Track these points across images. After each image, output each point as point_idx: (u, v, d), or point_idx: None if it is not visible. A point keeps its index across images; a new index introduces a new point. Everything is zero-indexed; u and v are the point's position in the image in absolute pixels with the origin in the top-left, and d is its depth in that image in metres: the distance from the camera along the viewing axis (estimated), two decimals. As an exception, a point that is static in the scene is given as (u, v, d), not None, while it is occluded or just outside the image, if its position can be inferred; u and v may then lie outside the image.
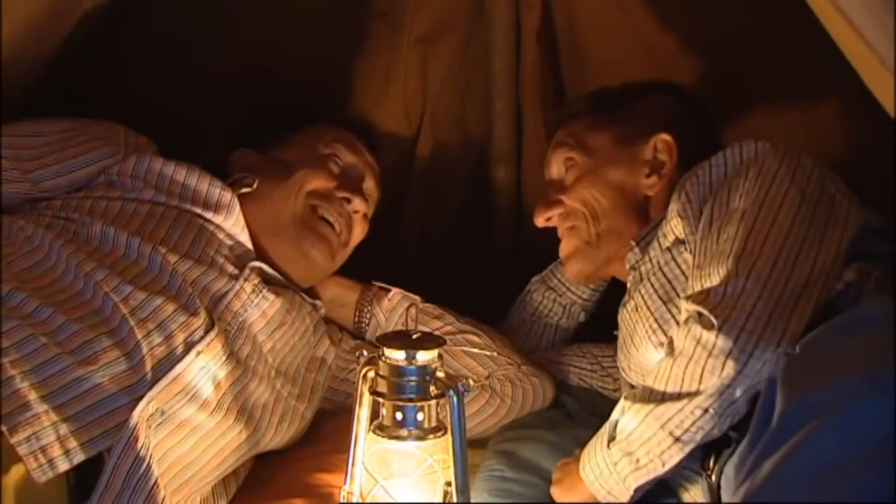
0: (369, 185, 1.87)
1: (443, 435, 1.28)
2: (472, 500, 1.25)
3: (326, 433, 1.69)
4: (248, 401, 1.51)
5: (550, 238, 1.88)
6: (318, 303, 1.80)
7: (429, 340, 1.30)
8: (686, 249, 1.51)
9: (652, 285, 1.56)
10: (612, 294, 1.93)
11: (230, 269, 1.58)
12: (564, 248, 1.81)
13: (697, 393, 1.30)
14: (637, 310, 1.59)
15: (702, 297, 1.32)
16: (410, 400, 1.28)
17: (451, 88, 2.13)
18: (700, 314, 1.30)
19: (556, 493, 1.53)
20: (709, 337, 1.27)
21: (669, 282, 1.53)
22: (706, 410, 1.30)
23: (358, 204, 1.79)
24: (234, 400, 1.47)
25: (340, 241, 1.78)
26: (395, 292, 1.87)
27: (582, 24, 2.05)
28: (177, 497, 1.40)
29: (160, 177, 1.62)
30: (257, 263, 1.63)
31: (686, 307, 1.34)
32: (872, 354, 1.04)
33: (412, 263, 2.19)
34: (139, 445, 1.28)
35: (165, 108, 1.92)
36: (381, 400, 1.29)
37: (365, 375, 1.31)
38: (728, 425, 1.33)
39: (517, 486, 1.59)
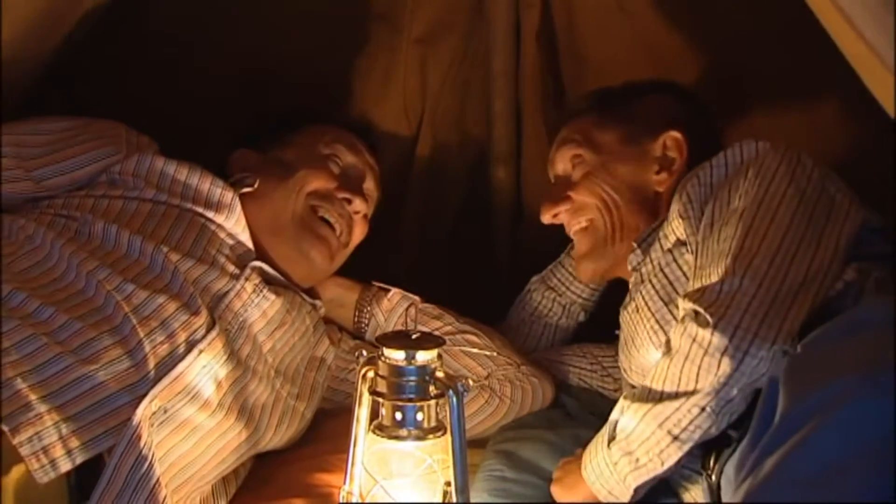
0: (369, 185, 1.87)
1: (442, 435, 1.28)
2: (472, 500, 1.25)
3: (326, 433, 1.69)
4: (248, 400, 1.51)
5: (550, 238, 1.88)
6: (317, 303, 1.80)
7: (428, 340, 1.30)
8: (687, 251, 1.51)
9: (653, 286, 1.56)
10: (612, 295, 1.93)
11: (231, 268, 1.59)
12: (580, 248, 1.81)
13: (695, 391, 1.30)
14: (638, 311, 1.59)
15: (698, 295, 1.32)
16: (410, 400, 1.28)
17: (451, 88, 2.13)
18: (696, 312, 1.30)
19: (556, 491, 1.53)
20: (704, 335, 1.27)
21: (671, 283, 1.54)
22: (703, 409, 1.31)
23: (358, 204, 1.79)
24: (234, 400, 1.47)
25: (340, 242, 1.78)
26: (395, 292, 1.87)
27: (581, 24, 2.05)
28: (177, 496, 1.40)
29: (162, 176, 1.62)
30: (258, 263, 1.64)
31: (683, 305, 1.34)
32: (872, 354, 1.04)
33: (412, 263, 2.19)
34: (142, 444, 1.28)
35: (165, 108, 1.92)
36: (380, 400, 1.29)
37: (364, 375, 1.31)
38: (725, 424, 1.33)
39: (517, 486, 1.59)
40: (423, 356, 1.27)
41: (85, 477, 1.29)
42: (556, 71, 2.11)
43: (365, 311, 1.87)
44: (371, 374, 1.31)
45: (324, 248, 1.74)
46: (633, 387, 1.57)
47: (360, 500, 1.30)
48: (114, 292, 1.40)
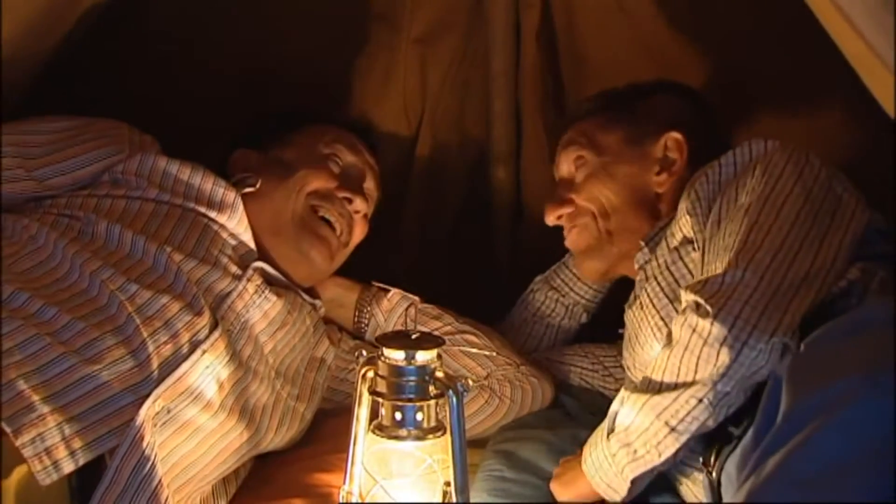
0: (370, 185, 1.86)
1: (442, 435, 1.28)
2: (472, 500, 1.25)
3: (326, 433, 1.69)
4: (249, 401, 1.52)
5: (550, 237, 1.88)
6: (317, 302, 1.80)
7: (428, 340, 1.31)
8: (694, 249, 1.52)
9: (659, 284, 1.57)
10: (614, 295, 1.93)
11: (233, 269, 1.59)
12: (577, 246, 1.82)
13: (693, 382, 1.30)
14: (643, 308, 1.60)
15: (699, 287, 1.32)
16: (410, 400, 1.28)
17: (451, 88, 2.13)
18: (697, 304, 1.30)
19: (555, 488, 1.53)
20: (704, 325, 1.28)
21: (676, 281, 1.54)
22: (701, 400, 1.31)
23: (359, 204, 1.79)
24: (235, 400, 1.48)
25: (340, 242, 1.78)
26: (394, 292, 1.87)
27: (581, 24, 2.06)
28: (178, 497, 1.40)
29: (164, 175, 1.62)
30: (260, 264, 1.64)
31: (685, 297, 1.34)
32: (876, 354, 1.04)
33: (412, 263, 2.19)
34: (144, 444, 1.28)
35: (165, 107, 1.92)
36: (380, 400, 1.29)
37: (364, 375, 1.31)
38: (723, 416, 1.33)
39: (516, 486, 1.59)
40: (422, 356, 1.28)
41: (86, 478, 1.29)
42: (556, 71, 2.11)
43: (365, 311, 1.87)
44: (371, 373, 1.31)
45: (324, 248, 1.74)
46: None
47: (359, 500, 1.30)
48: (117, 292, 1.40)
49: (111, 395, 1.30)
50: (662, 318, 1.54)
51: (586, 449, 1.47)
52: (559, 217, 1.81)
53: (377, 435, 1.30)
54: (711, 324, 1.27)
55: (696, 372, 1.30)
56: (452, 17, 2.07)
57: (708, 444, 1.38)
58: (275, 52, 2.01)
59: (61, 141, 1.60)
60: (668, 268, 1.56)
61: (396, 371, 1.28)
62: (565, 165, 1.83)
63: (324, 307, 1.83)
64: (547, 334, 2.01)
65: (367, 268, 1.89)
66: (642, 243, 1.66)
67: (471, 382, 1.28)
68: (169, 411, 1.35)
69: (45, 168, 1.57)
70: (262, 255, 1.68)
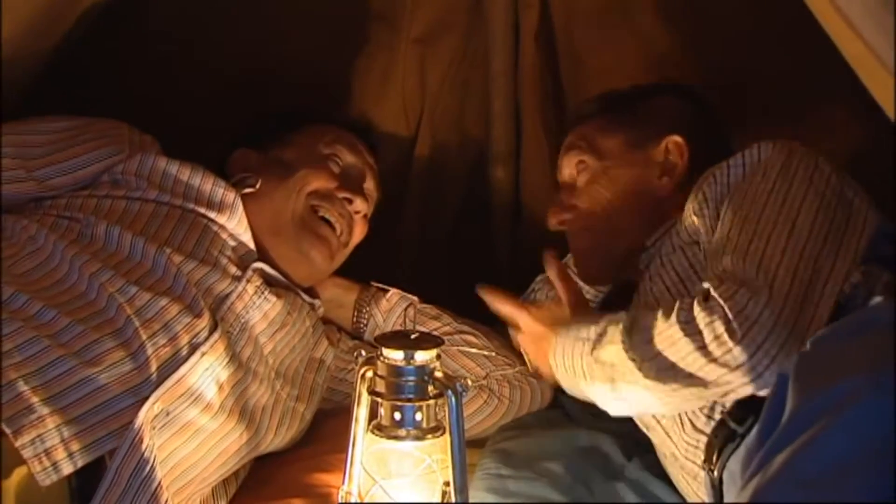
0: (369, 185, 1.86)
1: (441, 435, 1.28)
2: (470, 500, 1.25)
3: (325, 433, 1.69)
4: (249, 402, 1.52)
5: (549, 238, 1.88)
6: (316, 302, 1.80)
7: (427, 340, 1.31)
8: (700, 250, 1.51)
9: (664, 282, 1.56)
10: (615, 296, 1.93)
11: (233, 270, 1.59)
12: (577, 249, 1.81)
13: (694, 379, 1.29)
14: (647, 307, 1.59)
15: (729, 294, 1.29)
16: (409, 400, 1.28)
17: (450, 89, 2.13)
18: (727, 317, 1.28)
19: (523, 340, 1.58)
20: (728, 343, 1.26)
21: (682, 281, 1.53)
22: (699, 398, 1.32)
23: (359, 204, 1.79)
24: (235, 402, 1.48)
25: (340, 242, 1.78)
26: (393, 293, 1.87)
27: (580, 24, 2.06)
28: (178, 498, 1.40)
29: (164, 176, 1.62)
30: (259, 265, 1.64)
31: (715, 295, 1.30)
32: (880, 354, 1.04)
33: (411, 263, 2.19)
34: (143, 446, 1.29)
35: (165, 107, 1.92)
36: (379, 400, 1.29)
37: (363, 375, 1.31)
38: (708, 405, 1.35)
39: (512, 482, 1.60)
40: (421, 356, 1.28)
41: (86, 479, 1.29)
42: (555, 71, 2.11)
43: (364, 311, 1.87)
44: (370, 374, 1.31)
45: (324, 248, 1.74)
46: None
47: (358, 500, 1.30)
48: (116, 295, 1.40)
49: (110, 397, 1.30)
50: None
51: (562, 336, 1.48)
52: (562, 222, 1.81)
53: (376, 435, 1.30)
54: (735, 346, 1.25)
55: (701, 370, 1.29)
56: (452, 18, 2.07)
57: (710, 441, 1.38)
58: (274, 52, 2.01)
59: (62, 141, 1.60)
60: (673, 268, 1.56)
61: (395, 371, 1.28)
62: (567, 170, 1.82)
63: (323, 307, 1.83)
64: (548, 334, 2.01)
65: (366, 268, 1.89)
66: (647, 244, 1.66)
67: (469, 383, 1.28)
68: (168, 413, 1.35)
69: (46, 168, 1.57)
70: (262, 255, 1.68)
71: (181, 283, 1.47)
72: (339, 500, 1.32)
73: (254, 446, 1.54)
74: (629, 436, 1.64)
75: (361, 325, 1.87)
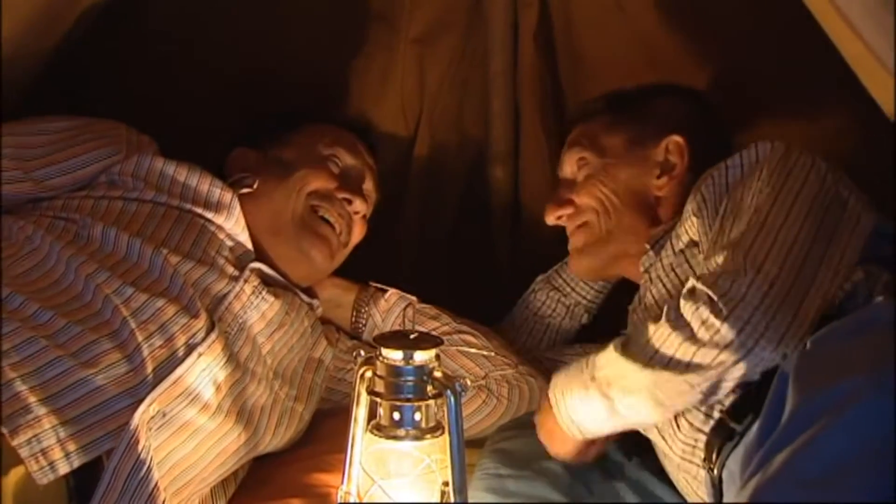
0: (368, 186, 1.86)
1: (440, 435, 1.28)
2: (469, 500, 1.25)
3: (324, 433, 1.69)
4: (247, 403, 1.52)
5: (548, 237, 1.88)
6: (315, 302, 1.80)
7: (426, 340, 1.31)
8: (699, 252, 1.52)
9: (664, 285, 1.57)
10: (615, 297, 1.93)
11: (230, 270, 1.59)
12: (574, 244, 1.82)
13: (688, 367, 1.30)
14: (648, 311, 1.60)
15: (712, 281, 1.31)
16: (408, 400, 1.28)
17: (449, 88, 2.13)
18: (711, 299, 1.30)
19: (541, 436, 1.55)
20: (714, 323, 1.27)
21: (682, 283, 1.53)
22: (693, 386, 1.31)
23: (358, 205, 1.79)
24: (233, 402, 1.48)
25: (340, 242, 1.78)
26: (392, 293, 1.87)
27: (579, 24, 2.05)
28: (177, 499, 1.40)
29: (161, 177, 1.62)
30: (257, 264, 1.64)
31: (698, 286, 1.33)
32: (881, 354, 1.04)
33: (410, 263, 2.18)
34: (140, 448, 1.29)
35: (164, 106, 1.92)
36: (378, 400, 1.29)
37: (362, 375, 1.31)
38: (710, 401, 1.34)
39: (511, 481, 1.59)
40: (420, 356, 1.28)
41: (84, 479, 1.29)
42: (554, 70, 2.11)
43: (362, 311, 1.87)
44: (369, 373, 1.31)
45: (324, 248, 1.74)
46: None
47: (357, 500, 1.30)
48: (113, 296, 1.40)
49: (107, 398, 1.31)
50: None
51: (560, 378, 1.48)
52: (559, 217, 1.82)
53: (375, 435, 1.29)
54: (722, 324, 1.27)
55: (694, 358, 1.30)
56: (451, 17, 2.07)
57: (709, 440, 1.38)
58: (273, 53, 2.01)
59: (60, 142, 1.60)
60: (673, 270, 1.57)
61: (394, 371, 1.28)
62: (568, 166, 1.84)
63: (321, 307, 1.83)
64: (547, 334, 2.01)
65: (365, 268, 1.89)
66: (647, 246, 1.66)
67: (469, 382, 1.28)
68: (165, 414, 1.36)
69: (44, 169, 1.58)
70: (260, 255, 1.68)
71: (178, 284, 1.47)
72: (338, 500, 1.32)
73: (252, 446, 1.54)
74: (629, 436, 1.64)
75: (360, 326, 1.87)
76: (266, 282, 1.65)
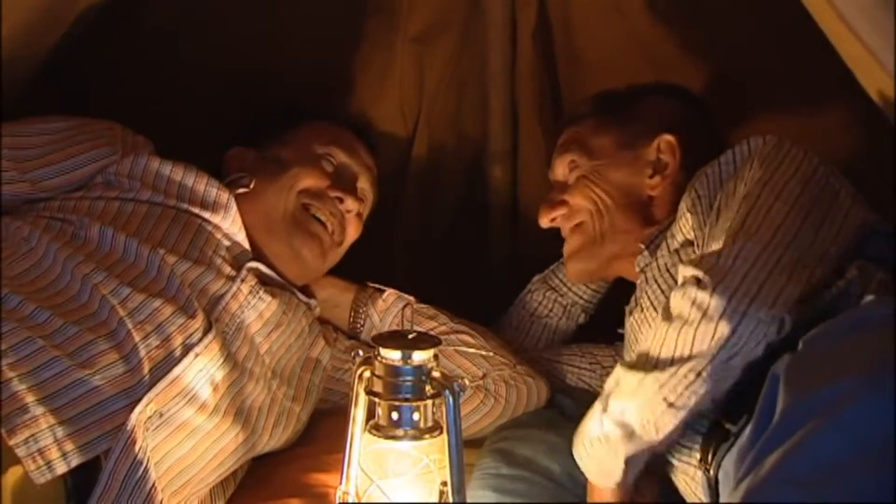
0: (364, 185, 1.86)
1: (439, 435, 1.28)
2: (468, 499, 1.25)
3: (322, 433, 1.69)
4: (245, 403, 1.52)
5: (546, 237, 1.88)
6: (312, 302, 1.80)
7: (424, 340, 1.30)
8: (694, 251, 1.52)
9: (660, 286, 1.57)
10: (611, 296, 1.93)
11: (227, 269, 1.59)
12: (568, 246, 1.82)
13: (691, 357, 1.29)
14: (644, 311, 1.60)
15: (697, 261, 1.32)
16: (406, 400, 1.27)
17: (447, 87, 2.13)
18: (696, 278, 1.30)
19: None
20: (703, 297, 1.27)
21: (678, 283, 1.54)
22: (699, 374, 1.29)
23: (350, 204, 1.78)
24: (231, 402, 1.48)
25: (333, 241, 1.78)
26: (390, 293, 1.87)
27: (578, 23, 2.06)
28: (175, 499, 1.40)
29: (157, 177, 1.62)
30: (254, 264, 1.64)
31: (682, 272, 1.34)
32: (875, 354, 1.04)
33: (408, 263, 2.18)
34: (137, 448, 1.29)
35: (163, 106, 1.92)
36: (377, 400, 1.29)
37: (361, 375, 1.31)
38: (722, 390, 1.32)
39: (510, 481, 1.60)
40: (419, 356, 1.27)
41: (82, 479, 1.29)
42: (553, 70, 2.11)
43: (360, 311, 1.87)
44: (367, 373, 1.31)
45: (315, 246, 1.74)
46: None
47: (356, 500, 1.30)
48: (109, 296, 1.40)
49: (103, 399, 1.31)
50: None
51: (576, 437, 1.45)
52: (553, 219, 1.82)
53: (374, 435, 1.29)
54: (710, 296, 1.26)
55: (693, 345, 1.29)
56: (449, 17, 2.07)
57: (705, 441, 1.38)
58: (271, 52, 2.01)
59: (56, 142, 1.59)
60: (668, 270, 1.57)
61: (393, 371, 1.28)
62: (560, 169, 1.84)
63: (319, 307, 1.83)
64: (544, 334, 2.01)
65: (363, 268, 1.89)
66: (642, 247, 1.67)
67: (467, 382, 1.28)
68: (162, 415, 1.36)
69: (40, 170, 1.57)
70: (257, 254, 1.68)
71: (175, 284, 1.47)
72: (337, 500, 1.32)
73: (250, 447, 1.54)
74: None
75: (358, 326, 1.87)
76: (263, 281, 1.65)
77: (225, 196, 1.65)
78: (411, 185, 2.17)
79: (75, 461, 1.27)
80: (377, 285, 1.89)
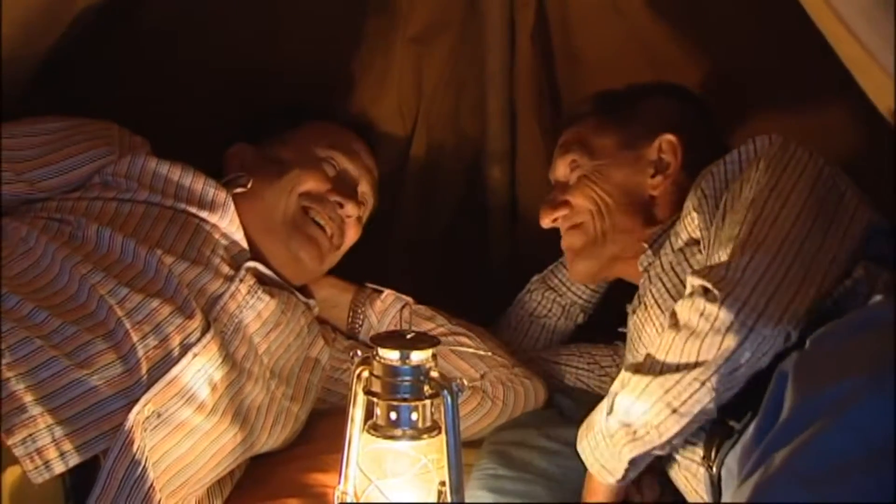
0: (364, 189, 1.86)
1: (437, 435, 1.28)
2: (466, 499, 1.25)
3: (320, 433, 1.69)
4: (244, 402, 1.52)
5: (545, 237, 1.88)
6: (311, 302, 1.80)
7: (423, 340, 1.31)
8: (699, 250, 1.52)
9: (664, 285, 1.57)
10: (610, 296, 1.93)
11: (226, 269, 1.58)
12: (570, 247, 1.82)
13: (697, 365, 1.29)
14: (648, 310, 1.60)
15: (706, 272, 1.32)
16: (405, 400, 1.28)
17: (446, 88, 2.13)
18: (705, 288, 1.30)
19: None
20: (712, 309, 1.27)
21: (682, 282, 1.54)
22: (704, 383, 1.30)
23: (350, 209, 1.78)
24: (229, 402, 1.48)
25: (332, 245, 1.78)
26: (388, 293, 1.86)
27: (576, 23, 2.06)
28: (173, 499, 1.40)
29: (154, 177, 1.62)
30: (252, 264, 1.64)
31: (691, 281, 1.34)
32: (881, 354, 1.04)
33: (407, 263, 2.18)
34: (135, 448, 1.29)
35: (162, 106, 1.91)
36: (375, 400, 1.29)
37: (359, 375, 1.31)
38: (725, 400, 1.32)
39: (509, 482, 1.60)
40: (417, 356, 1.27)
41: (80, 478, 1.29)
42: (551, 70, 2.11)
43: (358, 312, 1.86)
44: (366, 373, 1.31)
45: (313, 249, 1.74)
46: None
47: (354, 500, 1.30)
48: (107, 297, 1.40)
49: (102, 399, 1.31)
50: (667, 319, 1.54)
51: (582, 429, 1.47)
52: (554, 220, 1.81)
53: (372, 435, 1.29)
54: (719, 308, 1.27)
55: (699, 354, 1.29)
56: (447, 17, 2.07)
57: (708, 438, 1.38)
58: (271, 51, 2.01)
59: (53, 143, 1.59)
60: (672, 269, 1.57)
61: (391, 371, 1.28)
62: (561, 169, 1.83)
63: (317, 307, 1.83)
64: (543, 334, 2.01)
65: (361, 268, 1.88)
66: (645, 246, 1.66)
67: (465, 383, 1.28)
68: (160, 415, 1.36)
69: (37, 170, 1.57)
70: (255, 254, 1.68)
71: (173, 284, 1.47)
72: (335, 500, 1.32)
73: (248, 447, 1.54)
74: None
75: (356, 326, 1.87)
76: (262, 281, 1.65)
77: (222, 195, 1.65)
78: (410, 185, 2.17)
79: (73, 461, 1.27)
80: (375, 286, 1.89)
